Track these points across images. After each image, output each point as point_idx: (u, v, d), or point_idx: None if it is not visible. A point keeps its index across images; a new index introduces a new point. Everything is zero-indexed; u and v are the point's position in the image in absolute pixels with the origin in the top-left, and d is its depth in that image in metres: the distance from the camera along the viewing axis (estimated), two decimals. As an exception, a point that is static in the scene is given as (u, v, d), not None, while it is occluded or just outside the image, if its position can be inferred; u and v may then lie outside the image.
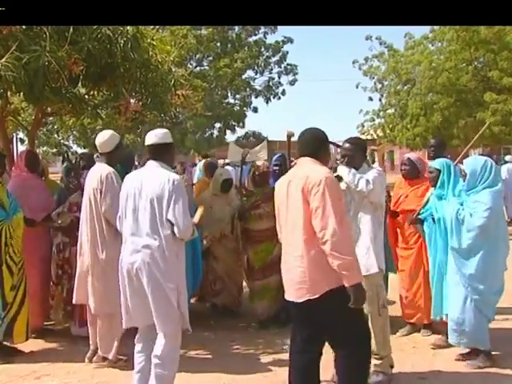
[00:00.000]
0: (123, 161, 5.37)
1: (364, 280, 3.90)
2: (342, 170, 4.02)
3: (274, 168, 5.93)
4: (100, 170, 4.39)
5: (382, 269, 4.12)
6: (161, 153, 3.70)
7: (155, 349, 3.58)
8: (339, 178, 3.98)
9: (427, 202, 4.84)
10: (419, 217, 4.88)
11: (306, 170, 3.30)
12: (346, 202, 4.01)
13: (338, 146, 6.30)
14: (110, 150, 4.44)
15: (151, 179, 3.60)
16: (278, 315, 5.51)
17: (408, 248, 5.23)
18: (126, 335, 4.40)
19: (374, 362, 4.12)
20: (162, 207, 3.51)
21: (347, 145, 4.17)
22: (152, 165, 3.70)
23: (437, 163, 4.82)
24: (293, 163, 4.42)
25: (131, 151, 6.63)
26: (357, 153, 4.14)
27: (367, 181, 3.97)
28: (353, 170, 4.05)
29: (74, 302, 4.61)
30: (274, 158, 6.21)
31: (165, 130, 3.84)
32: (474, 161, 4.52)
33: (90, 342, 4.59)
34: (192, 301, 6.04)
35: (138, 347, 3.74)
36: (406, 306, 5.30)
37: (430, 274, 4.87)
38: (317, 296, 3.20)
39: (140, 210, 3.59)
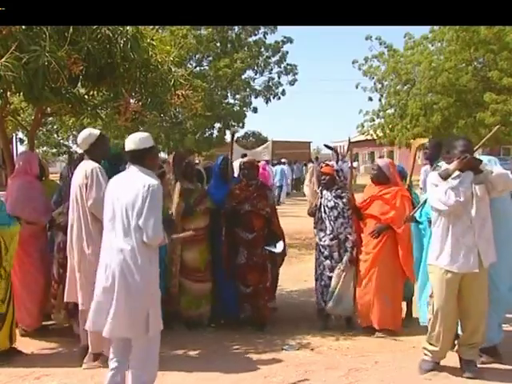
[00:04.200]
0: (112, 160, 5.38)
1: (483, 272, 4.14)
2: (491, 166, 4.20)
3: (220, 171, 5.92)
4: (85, 166, 4.46)
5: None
6: (140, 158, 3.67)
7: (130, 359, 3.63)
8: (478, 173, 4.14)
9: (424, 202, 4.87)
10: (415, 216, 4.96)
11: None
12: (468, 197, 4.14)
13: (334, 150, 6.38)
14: (86, 147, 4.53)
15: (129, 184, 3.61)
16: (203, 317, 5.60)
17: (367, 252, 5.39)
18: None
19: (468, 351, 4.25)
20: (135, 213, 3.52)
21: (464, 141, 4.35)
22: (132, 170, 3.69)
23: None
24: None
25: (119, 151, 6.58)
26: (472, 149, 4.36)
27: None
28: (497, 163, 4.35)
29: (65, 299, 4.66)
30: (219, 160, 6.12)
31: (144, 135, 3.78)
32: None
33: (81, 341, 4.63)
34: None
35: (111, 361, 3.72)
36: (360, 310, 5.42)
37: (418, 279, 4.99)
38: None
39: (117, 214, 3.60)
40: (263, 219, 5.55)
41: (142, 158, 3.66)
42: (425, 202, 4.83)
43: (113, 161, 5.52)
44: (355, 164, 30.50)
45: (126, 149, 3.72)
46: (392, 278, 5.29)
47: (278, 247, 5.52)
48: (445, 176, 4.26)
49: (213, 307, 5.63)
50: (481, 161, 4.17)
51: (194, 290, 5.49)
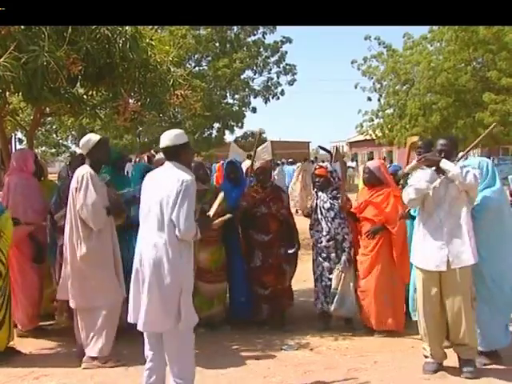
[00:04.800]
0: (115, 163, 5.56)
1: (460, 272, 4.07)
2: (447, 164, 4.13)
3: (229, 176, 5.92)
4: (79, 171, 4.55)
5: (476, 262, 4.19)
6: (175, 154, 3.78)
7: (166, 357, 3.70)
8: (441, 172, 4.12)
9: None
10: (411, 213, 5.00)
11: None
12: (439, 195, 4.15)
13: (327, 151, 6.40)
14: (86, 152, 4.60)
15: (164, 180, 3.72)
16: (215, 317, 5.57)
17: (365, 254, 5.40)
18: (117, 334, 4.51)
19: (465, 351, 4.21)
20: (168, 207, 3.61)
21: (443, 141, 4.34)
22: (167, 165, 3.81)
23: None
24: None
25: (121, 155, 6.68)
26: (452, 148, 4.31)
27: (474, 175, 4.09)
28: (460, 163, 4.22)
29: (56, 297, 4.76)
30: (225, 165, 6.14)
31: (178, 131, 3.92)
32: (469, 163, 4.53)
33: (77, 340, 4.66)
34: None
35: (147, 360, 3.77)
36: (361, 312, 5.43)
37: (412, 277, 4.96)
38: None
39: (152, 209, 3.71)
40: (279, 221, 5.57)
41: (177, 153, 3.77)
42: None
43: (116, 164, 5.59)
44: (353, 164, 30.46)
45: (161, 145, 3.85)
46: (391, 279, 5.30)
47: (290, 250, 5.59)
48: (401, 176, 4.32)
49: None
50: (439, 160, 4.13)
51: (205, 290, 5.46)
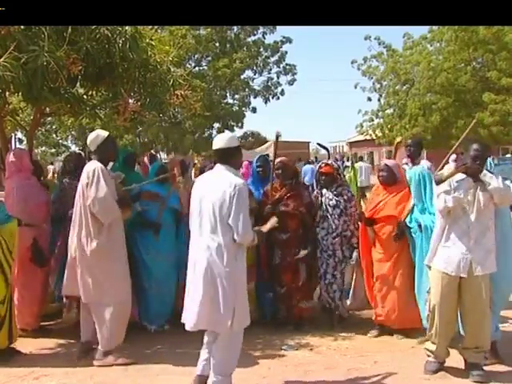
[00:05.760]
0: (124, 159, 5.67)
1: (481, 278, 4.11)
2: (488, 176, 4.12)
3: (258, 170, 5.93)
4: (89, 166, 4.54)
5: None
6: (227, 157, 3.83)
7: (213, 349, 3.85)
8: (478, 180, 4.09)
9: (412, 208, 4.97)
10: (407, 223, 5.01)
11: None
12: (467, 201, 4.13)
13: (325, 148, 6.43)
14: (94, 148, 4.60)
15: (215, 183, 3.77)
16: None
17: (385, 253, 5.24)
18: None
19: (474, 354, 4.22)
20: (222, 211, 3.67)
21: (477, 146, 4.24)
22: (219, 168, 3.86)
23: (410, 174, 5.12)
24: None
25: (133, 151, 6.73)
26: (485, 154, 4.26)
27: None
28: (500, 177, 4.19)
29: (63, 293, 4.75)
30: (256, 159, 6.17)
31: (231, 135, 4.01)
32: None
33: (82, 336, 4.65)
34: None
35: (203, 351, 3.95)
36: (378, 309, 5.33)
37: (415, 282, 4.97)
38: None
39: (204, 212, 3.75)
40: (297, 219, 5.51)
41: (230, 156, 3.83)
42: (412, 208, 4.96)
43: (127, 160, 5.63)
44: (350, 163, 30.39)
45: (214, 147, 3.88)
46: (410, 279, 5.16)
47: (301, 253, 5.52)
48: (438, 181, 4.26)
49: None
50: (480, 170, 4.12)
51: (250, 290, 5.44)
